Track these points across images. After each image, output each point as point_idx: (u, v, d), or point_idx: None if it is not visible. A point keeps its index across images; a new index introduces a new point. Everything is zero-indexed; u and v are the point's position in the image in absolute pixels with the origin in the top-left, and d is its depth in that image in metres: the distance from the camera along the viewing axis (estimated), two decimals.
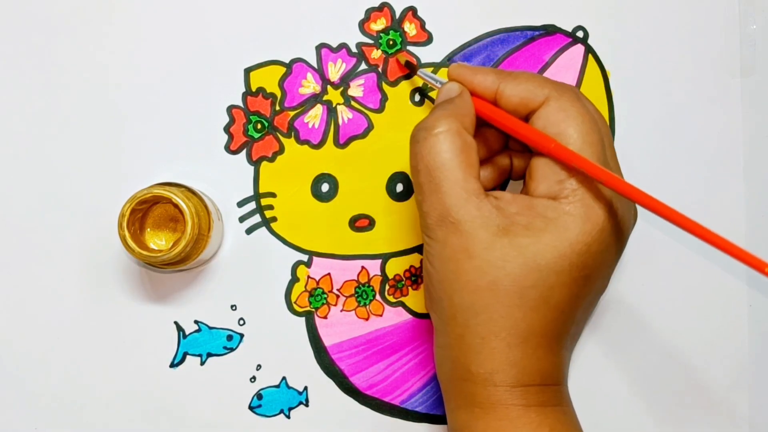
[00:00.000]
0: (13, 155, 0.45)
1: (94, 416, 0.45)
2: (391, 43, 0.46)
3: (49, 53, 0.45)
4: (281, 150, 0.46)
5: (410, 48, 0.46)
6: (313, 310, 0.46)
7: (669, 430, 0.46)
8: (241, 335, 0.45)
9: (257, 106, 0.45)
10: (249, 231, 0.46)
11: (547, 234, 0.35)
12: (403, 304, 0.46)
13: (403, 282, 0.46)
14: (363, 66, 0.46)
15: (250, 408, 0.46)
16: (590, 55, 0.46)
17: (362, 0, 0.46)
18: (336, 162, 0.46)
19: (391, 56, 0.46)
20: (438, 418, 0.46)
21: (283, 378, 0.46)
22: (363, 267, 0.46)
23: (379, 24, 0.46)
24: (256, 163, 0.46)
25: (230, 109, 0.45)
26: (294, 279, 0.46)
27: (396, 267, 0.46)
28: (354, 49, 0.46)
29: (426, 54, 0.46)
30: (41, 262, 0.45)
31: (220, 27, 0.46)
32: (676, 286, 0.46)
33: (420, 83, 0.46)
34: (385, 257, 0.46)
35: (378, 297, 0.46)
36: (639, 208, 0.39)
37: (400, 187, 0.46)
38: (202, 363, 0.45)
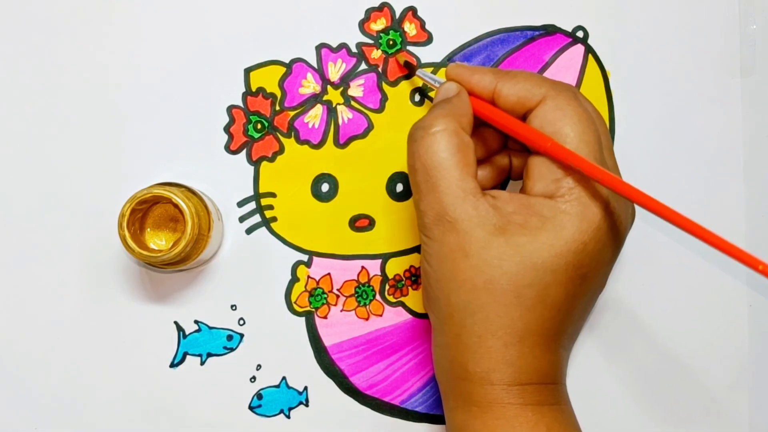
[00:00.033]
0: (13, 155, 0.45)
1: (94, 416, 0.45)
2: (391, 43, 0.46)
3: (49, 53, 0.45)
4: (281, 150, 0.46)
5: (410, 48, 0.46)
6: (313, 310, 0.46)
7: (669, 430, 0.46)
8: (241, 335, 0.45)
9: (257, 106, 0.45)
10: (249, 231, 0.46)
11: (544, 233, 0.35)
12: (403, 304, 0.46)
13: (403, 282, 0.46)
14: (363, 66, 0.46)
15: (250, 408, 0.46)
16: (590, 55, 0.46)
17: (362, 0, 0.46)
18: (336, 162, 0.46)
19: (391, 56, 0.46)
20: (438, 418, 0.46)
21: (283, 378, 0.46)
22: (363, 267, 0.46)
23: (379, 24, 0.46)
24: (256, 163, 0.46)
25: (230, 109, 0.45)
26: (294, 279, 0.46)
27: (396, 267, 0.46)
28: (354, 49, 0.46)
29: (426, 54, 0.46)
30: (41, 262, 0.45)
31: (220, 27, 0.46)
32: (675, 286, 0.46)
33: (420, 83, 0.46)
34: (385, 257, 0.46)
35: (378, 297, 0.46)
36: (637, 208, 0.39)
37: (400, 187, 0.46)
38: (202, 363, 0.45)
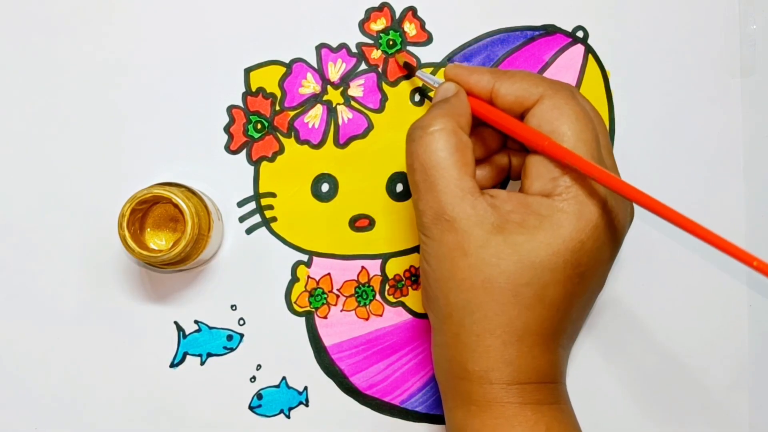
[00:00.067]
0: (13, 155, 0.45)
1: (94, 416, 0.45)
2: (391, 43, 0.46)
3: (49, 53, 0.45)
4: (281, 150, 0.46)
5: (410, 48, 0.46)
6: (313, 310, 0.46)
7: (669, 430, 0.46)
8: (241, 335, 0.45)
9: (257, 106, 0.45)
10: (249, 231, 0.46)
11: (541, 231, 0.35)
12: (403, 304, 0.46)
13: (403, 282, 0.46)
14: (363, 66, 0.46)
15: (250, 408, 0.46)
16: (590, 55, 0.46)
17: (362, 0, 0.46)
18: (336, 162, 0.46)
19: (391, 56, 0.46)
20: (438, 418, 0.46)
21: (283, 378, 0.46)
22: (363, 267, 0.46)
23: (379, 24, 0.46)
24: (256, 163, 0.46)
25: (230, 109, 0.45)
26: (294, 279, 0.46)
27: (396, 267, 0.46)
28: (354, 49, 0.46)
29: (426, 54, 0.46)
30: (41, 262, 0.45)
31: (220, 27, 0.46)
32: (675, 285, 0.46)
33: (420, 83, 0.46)
34: (385, 257, 0.46)
35: (378, 297, 0.46)
36: (636, 207, 0.39)
37: (400, 187, 0.46)
38: (202, 363, 0.45)
